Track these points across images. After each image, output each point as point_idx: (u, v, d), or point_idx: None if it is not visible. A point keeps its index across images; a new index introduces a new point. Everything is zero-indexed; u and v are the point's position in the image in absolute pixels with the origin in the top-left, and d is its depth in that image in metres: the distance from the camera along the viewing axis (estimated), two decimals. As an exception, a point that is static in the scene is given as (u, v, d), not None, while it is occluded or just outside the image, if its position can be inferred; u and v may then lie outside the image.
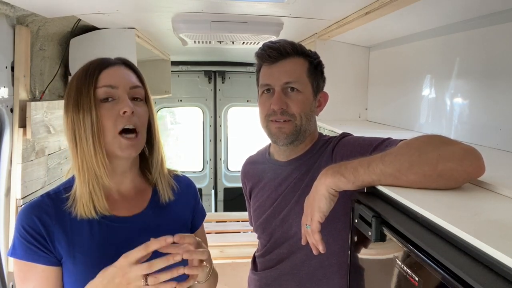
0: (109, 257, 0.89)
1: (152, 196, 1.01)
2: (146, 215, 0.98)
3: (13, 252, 0.86)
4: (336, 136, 1.15)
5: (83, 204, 0.89)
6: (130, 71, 0.95)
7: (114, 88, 0.88)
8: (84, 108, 0.86)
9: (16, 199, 1.53)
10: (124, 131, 0.89)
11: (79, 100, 0.87)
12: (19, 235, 0.86)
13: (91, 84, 0.87)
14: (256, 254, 1.27)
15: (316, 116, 1.18)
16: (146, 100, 0.96)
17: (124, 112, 0.87)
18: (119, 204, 0.96)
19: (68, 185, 0.94)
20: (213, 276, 1.00)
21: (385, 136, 1.00)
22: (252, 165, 1.29)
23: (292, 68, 1.09)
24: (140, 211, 0.98)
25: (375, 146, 0.97)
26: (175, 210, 1.03)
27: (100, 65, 0.90)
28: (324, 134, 1.23)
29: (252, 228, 1.30)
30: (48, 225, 0.87)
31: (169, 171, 1.08)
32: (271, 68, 1.10)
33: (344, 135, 1.14)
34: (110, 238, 0.92)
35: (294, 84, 1.08)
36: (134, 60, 2.03)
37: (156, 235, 0.95)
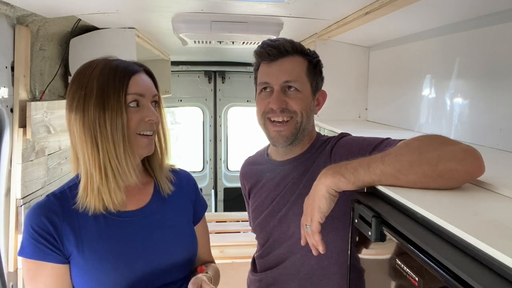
0: (117, 251, 0.93)
1: (154, 189, 1.05)
2: (150, 209, 1.01)
3: (22, 252, 0.89)
4: (334, 136, 1.15)
5: (103, 199, 0.92)
6: (149, 78, 0.99)
7: (142, 96, 0.93)
8: (112, 111, 0.89)
9: (16, 199, 1.53)
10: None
11: (106, 102, 0.89)
12: (28, 235, 0.89)
13: (122, 89, 0.90)
14: (255, 255, 1.27)
15: (314, 116, 1.18)
16: (160, 103, 1.02)
17: (149, 120, 0.93)
18: (125, 199, 0.98)
19: (72, 184, 0.97)
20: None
21: (385, 136, 1.00)
22: (251, 166, 1.29)
23: (292, 66, 1.08)
24: (144, 205, 1.01)
25: (374, 146, 0.96)
26: (177, 202, 1.07)
27: (129, 71, 0.93)
28: (323, 134, 1.23)
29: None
30: (56, 224, 0.89)
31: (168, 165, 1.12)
32: (270, 67, 1.09)
33: (343, 135, 1.14)
34: (117, 233, 0.95)
35: (293, 83, 1.07)
36: (134, 60, 2.03)
37: (161, 227, 1.00)
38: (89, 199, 0.92)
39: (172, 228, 1.03)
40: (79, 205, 0.91)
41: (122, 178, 0.92)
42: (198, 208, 1.14)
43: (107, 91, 0.89)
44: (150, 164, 1.05)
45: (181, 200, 1.09)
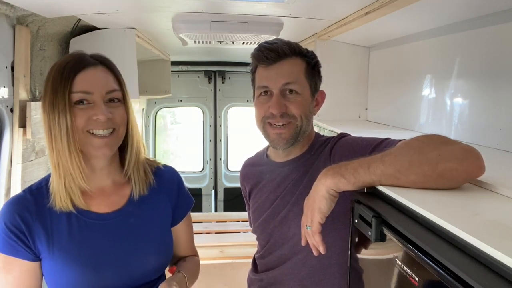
0: (86, 254, 0.91)
1: (132, 192, 1.02)
2: (125, 212, 0.99)
3: None
4: (334, 136, 1.15)
5: (60, 198, 0.91)
6: (107, 73, 0.94)
7: (89, 94, 0.89)
8: (59, 110, 0.87)
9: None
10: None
11: (55, 101, 0.87)
12: (0, 230, 0.89)
13: (66, 88, 0.87)
14: (256, 255, 1.27)
15: (314, 116, 1.18)
16: (124, 100, 0.96)
17: (97, 119, 0.88)
18: (98, 201, 0.97)
19: (49, 179, 0.95)
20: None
21: (385, 136, 1.00)
22: (251, 167, 1.28)
23: (290, 69, 1.07)
24: (119, 208, 0.98)
25: (374, 146, 0.96)
26: (155, 203, 1.04)
27: (75, 67, 0.89)
28: (322, 134, 1.22)
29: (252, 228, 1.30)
30: (29, 223, 0.89)
31: (151, 163, 1.08)
32: (268, 70, 1.08)
33: (342, 135, 1.14)
34: (88, 235, 0.93)
35: (293, 86, 1.06)
36: (134, 60, 2.03)
37: (135, 233, 0.98)
38: (52, 197, 0.92)
39: (146, 234, 1.00)
40: (52, 203, 0.91)
41: (73, 180, 0.90)
42: (180, 207, 1.11)
43: (56, 90, 0.87)
44: (123, 163, 1.01)
45: (161, 200, 1.05)
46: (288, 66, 1.07)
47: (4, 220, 0.89)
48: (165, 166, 1.12)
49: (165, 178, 1.09)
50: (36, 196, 0.93)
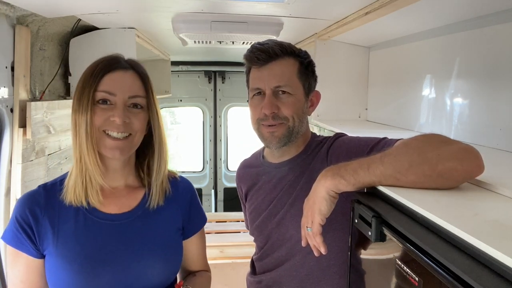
0: (87, 252, 0.91)
1: (144, 196, 1.01)
2: (135, 215, 0.98)
3: (4, 235, 0.92)
4: (330, 136, 1.14)
5: (75, 191, 0.92)
6: (136, 79, 0.95)
7: (111, 95, 0.91)
8: (83, 106, 0.89)
9: (16, 199, 1.53)
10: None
11: (81, 98, 0.90)
12: (11, 222, 0.91)
13: (92, 86, 0.90)
14: (253, 257, 1.26)
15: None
16: (149, 107, 0.96)
17: (113, 120, 0.90)
18: (109, 200, 0.97)
19: (64, 178, 0.97)
20: None
21: (383, 136, 1.00)
22: (247, 169, 1.28)
23: (282, 70, 1.06)
24: (129, 210, 0.98)
25: (372, 147, 0.96)
26: (166, 212, 1.02)
27: (106, 67, 0.92)
28: (321, 134, 1.22)
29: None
30: (37, 217, 0.91)
31: (169, 173, 1.07)
32: (260, 71, 1.08)
33: (339, 135, 1.13)
34: (92, 233, 0.93)
35: (285, 88, 1.06)
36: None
37: (140, 237, 0.97)
38: (66, 189, 0.93)
39: (153, 240, 0.98)
40: (64, 197, 0.93)
41: (89, 174, 0.91)
42: (192, 221, 1.08)
43: (84, 86, 0.91)
44: (143, 169, 1.01)
45: (172, 210, 1.03)
46: (280, 67, 1.07)
47: (15, 213, 0.92)
48: (181, 177, 1.12)
49: (179, 188, 1.08)
50: (49, 191, 0.95)
